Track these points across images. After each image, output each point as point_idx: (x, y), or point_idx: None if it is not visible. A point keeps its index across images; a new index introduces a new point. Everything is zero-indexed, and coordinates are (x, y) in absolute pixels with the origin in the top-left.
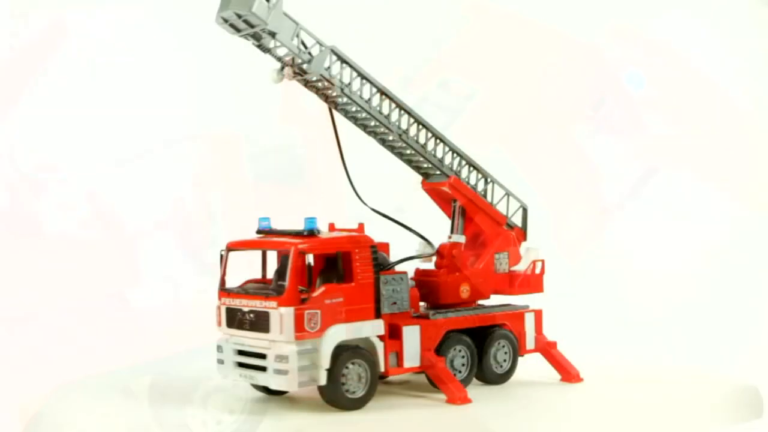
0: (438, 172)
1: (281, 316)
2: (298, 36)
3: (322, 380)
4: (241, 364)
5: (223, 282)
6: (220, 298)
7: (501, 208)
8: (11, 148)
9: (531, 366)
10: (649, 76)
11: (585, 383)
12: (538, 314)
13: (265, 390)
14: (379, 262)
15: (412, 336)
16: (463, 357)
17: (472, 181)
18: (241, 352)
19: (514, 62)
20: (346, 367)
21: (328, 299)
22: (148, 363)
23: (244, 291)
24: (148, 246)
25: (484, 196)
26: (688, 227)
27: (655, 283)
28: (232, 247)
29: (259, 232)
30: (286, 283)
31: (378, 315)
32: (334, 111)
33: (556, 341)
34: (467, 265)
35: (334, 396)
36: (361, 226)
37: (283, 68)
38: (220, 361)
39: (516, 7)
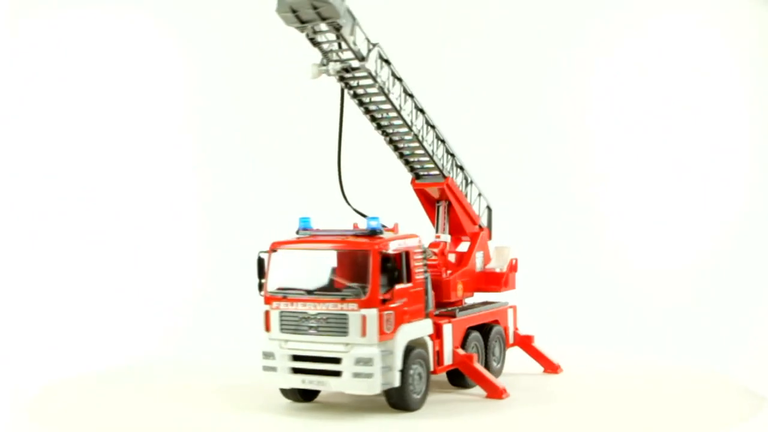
0: (434, 173)
1: (365, 318)
2: (353, 32)
3: (396, 382)
4: (300, 370)
5: (264, 286)
6: (269, 303)
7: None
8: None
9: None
10: (649, 74)
11: (584, 383)
12: (515, 310)
13: (301, 395)
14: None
15: (448, 334)
16: (478, 352)
17: (458, 182)
18: (299, 358)
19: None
20: (411, 368)
21: (399, 300)
22: (154, 357)
23: (307, 293)
24: (149, 245)
25: (466, 196)
26: (687, 227)
27: (655, 282)
28: (277, 247)
29: (301, 231)
30: (368, 285)
31: (426, 314)
32: (344, 106)
33: (533, 335)
34: (453, 264)
35: (403, 397)
36: (396, 226)
37: (325, 63)
38: (270, 368)
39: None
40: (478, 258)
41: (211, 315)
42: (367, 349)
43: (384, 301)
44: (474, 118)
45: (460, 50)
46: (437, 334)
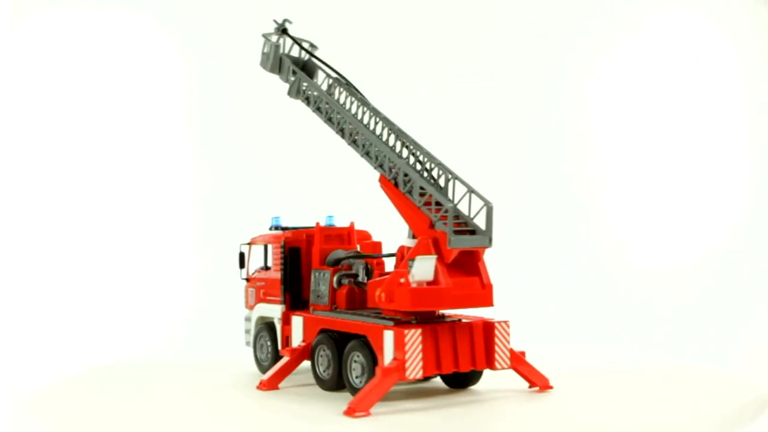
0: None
1: None
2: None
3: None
4: None
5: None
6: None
7: (462, 207)
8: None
9: None
10: (650, 74)
11: (584, 383)
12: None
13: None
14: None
15: (297, 325)
16: (316, 358)
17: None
18: None
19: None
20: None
21: (259, 282)
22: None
23: None
24: (149, 243)
25: (421, 195)
26: (688, 226)
27: (656, 282)
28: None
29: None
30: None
31: (283, 301)
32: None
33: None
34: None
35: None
36: (351, 224)
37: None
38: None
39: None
40: (417, 267)
41: (210, 313)
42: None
43: (247, 280)
44: (474, 118)
45: (461, 50)
46: (286, 321)
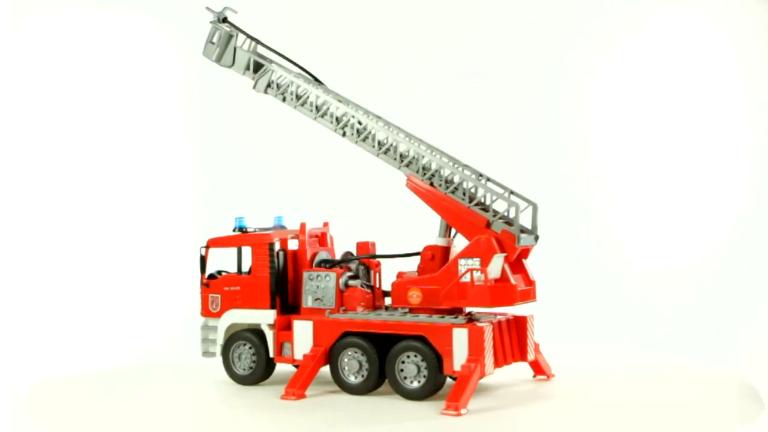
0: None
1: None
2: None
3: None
4: None
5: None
6: None
7: (499, 207)
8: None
9: None
10: (650, 74)
11: (584, 382)
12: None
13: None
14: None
15: (300, 330)
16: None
17: (446, 180)
18: None
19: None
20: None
21: (226, 287)
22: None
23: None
24: (149, 243)
25: (465, 196)
26: (688, 226)
27: (656, 282)
28: None
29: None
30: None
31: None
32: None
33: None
34: (431, 269)
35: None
36: (326, 224)
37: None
38: None
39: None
40: (467, 265)
41: None
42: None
43: (206, 285)
44: (474, 118)
45: (461, 50)
46: (282, 327)
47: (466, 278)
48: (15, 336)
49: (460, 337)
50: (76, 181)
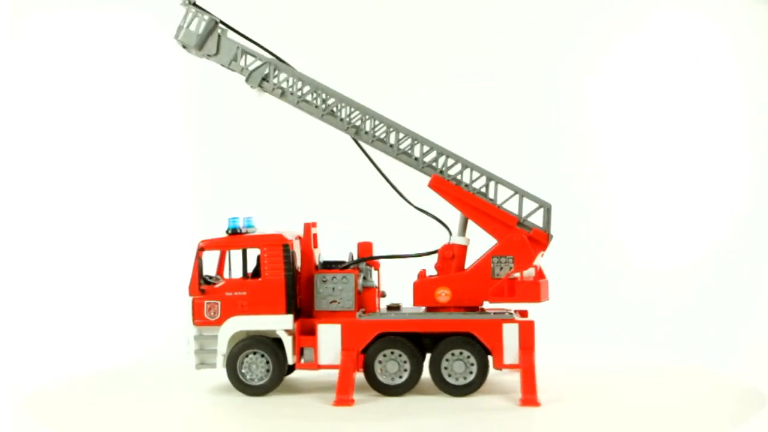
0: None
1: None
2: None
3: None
4: None
5: None
6: None
7: (511, 207)
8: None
9: None
10: (650, 74)
11: (584, 382)
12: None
13: None
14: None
15: (326, 334)
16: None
17: (471, 181)
18: None
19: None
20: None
21: (227, 292)
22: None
23: None
24: (148, 244)
25: (486, 195)
26: (688, 226)
27: (655, 281)
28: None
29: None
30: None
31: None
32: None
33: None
34: (458, 268)
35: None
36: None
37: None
38: None
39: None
40: (502, 263)
41: None
42: (191, 330)
43: (202, 291)
44: (474, 118)
45: (461, 50)
46: (303, 331)
47: (500, 275)
48: (15, 336)
49: (510, 332)
50: (76, 181)
